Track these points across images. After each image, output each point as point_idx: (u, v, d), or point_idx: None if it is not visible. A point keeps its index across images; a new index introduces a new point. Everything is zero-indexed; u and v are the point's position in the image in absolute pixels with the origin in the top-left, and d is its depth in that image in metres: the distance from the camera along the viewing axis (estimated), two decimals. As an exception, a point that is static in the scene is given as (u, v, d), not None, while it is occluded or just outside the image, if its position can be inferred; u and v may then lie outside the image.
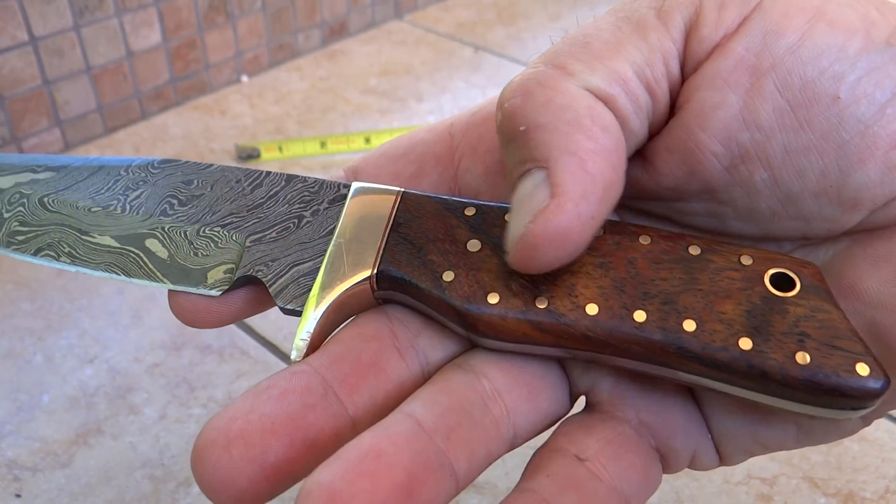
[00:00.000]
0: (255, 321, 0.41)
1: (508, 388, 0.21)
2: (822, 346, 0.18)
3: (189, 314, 0.23)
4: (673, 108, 0.21)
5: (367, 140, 0.54)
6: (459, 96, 0.61)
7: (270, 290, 0.21)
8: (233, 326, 0.40)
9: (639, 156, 0.21)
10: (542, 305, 0.20)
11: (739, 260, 0.20)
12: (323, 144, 0.54)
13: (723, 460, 0.23)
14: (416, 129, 0.54)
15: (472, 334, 0.21)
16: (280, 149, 0.53)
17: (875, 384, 0.18)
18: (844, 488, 0.34)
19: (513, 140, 0.19)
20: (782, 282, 0.19)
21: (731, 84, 0.19)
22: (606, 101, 0.19)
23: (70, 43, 0.51)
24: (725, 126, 0.19)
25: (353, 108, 0.59)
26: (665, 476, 0.34)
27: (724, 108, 0.19)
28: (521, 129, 0.19)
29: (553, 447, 0.22)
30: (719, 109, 0.19)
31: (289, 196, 0.22)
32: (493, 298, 0.20)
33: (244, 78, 0.63)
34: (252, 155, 0.53)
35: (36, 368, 0.38)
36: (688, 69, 0.20)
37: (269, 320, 0.41)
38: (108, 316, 0.41)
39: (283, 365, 0.38)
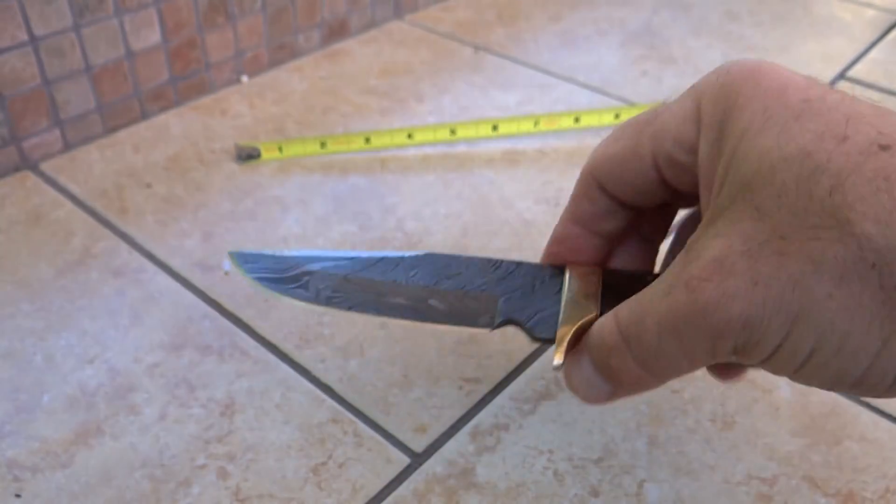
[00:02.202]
0: (255, 321, 0.41)
1: None
2: None
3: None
4: None
5: (367, 140, 0.54)
6: (460, 97, 0.61)
7: (526, 327, 0.30)
8: (233, 326, 0.40)
9: None
10: None
11: None
12: (323, 144, 0.54)
13: None
14: (417, 128, 0.54)
15: None
16: (280, 149, 0.53)
17: None
18: (845, 488, 0.34)
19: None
20: None
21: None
22: None
23: (70, 43, 0.51)
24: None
25: (353, 109, 0.59)
26: (665, 475, 0.34)
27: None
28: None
29: None
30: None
31: (522, 272, 0.31)
32: None
33: (244, 78, 0.63)
34: (252, 155, 0.53)
35: (36, 368, 0.38)
36: None
37: (270, 320, 0.41)
38: (108, 316, 0.41)
39: (284, 365, 0.38)
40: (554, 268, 0.31)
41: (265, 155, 0.53)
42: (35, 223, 0.47)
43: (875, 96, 0.63)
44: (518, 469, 0.34)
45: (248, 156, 0.53)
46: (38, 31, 0.49)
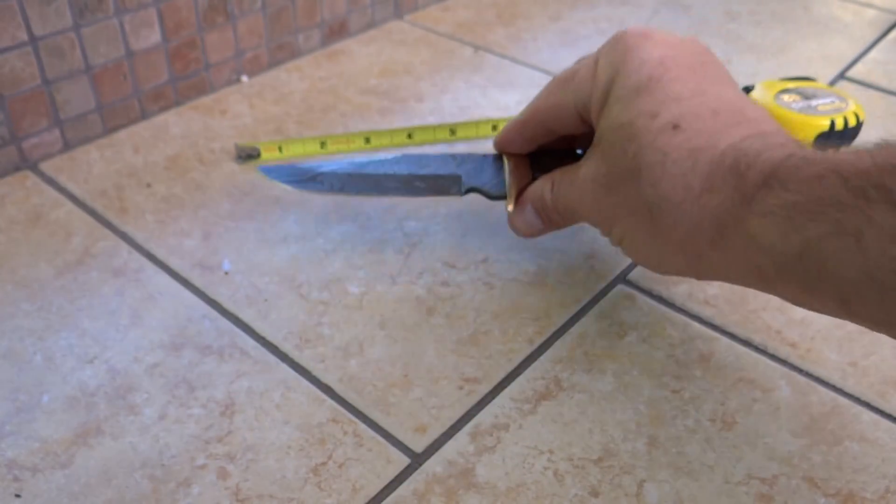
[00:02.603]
0: (255, 321, 0.41)
1: None
2: None
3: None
4: None
5: (367, 140, 0.54)
6: (460, 96, 0.61)
7: (485, 191, 0.44)
8: (233, 326, 0.40)
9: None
10: None
11: None
12: (323, 144, 0.54)
13: None
14: (417, 128, 0.54)
15: None
16: (280, 149, 0.53)
17: None
18: (845, 488, 0.34)
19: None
20: None
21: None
22: None
23: (70, 43, 0.51)
24: None
25: (353, 108, 0.59)
26: (665, 476, 0.34)
27: None
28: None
29: None
30: None
31: (473, 159, 0.44)
32: None
33: (244, 78, 0.63)
34: (252, 155, 0.53)
35: (35, 368, 0.38)
36: None
37: (269, 320, 0.41)
38: (107, 316, 0.41)
39: (284, 365, 0.38)
40: (495, 155, 0.45)
41: (265, 155, 0.53)
42: (35, 223, 0.47)
43: (875, 96, 0.63)
44: (518, 469, 0.34)
45: (247, 156, 0.53)
46: (38, 31, 0.49)
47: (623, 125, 0.33)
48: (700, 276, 0.34)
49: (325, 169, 0.44)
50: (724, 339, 0.41)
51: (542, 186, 0.40)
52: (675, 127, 0.32)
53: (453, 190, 0.44)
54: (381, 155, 0.44)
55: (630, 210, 0.34)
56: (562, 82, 0.38)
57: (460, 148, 0.55)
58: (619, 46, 0.35)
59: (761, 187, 0.29)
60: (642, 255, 0.36)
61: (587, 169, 0.36)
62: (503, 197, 0.43)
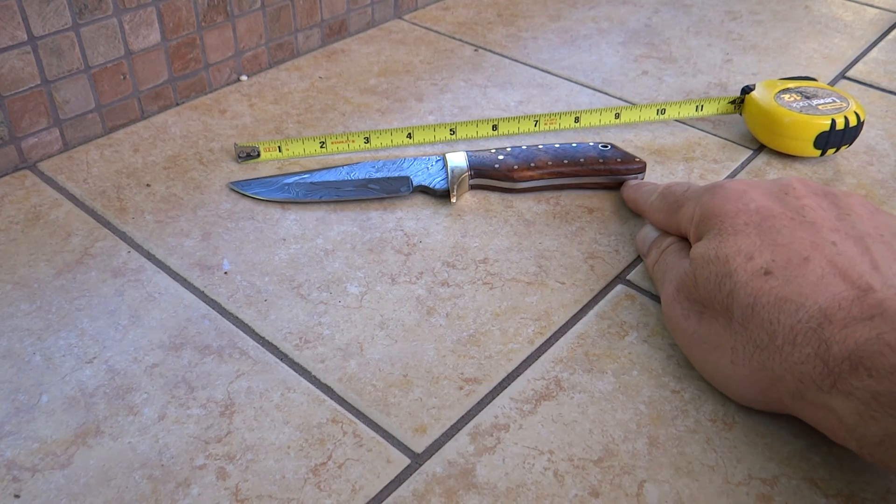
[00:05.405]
0: (255, 321, 0.41)
1: None
2: None
3: None
4: None
5: (367, 140, 0.54)
6: (459, 95, 0.61)
7: (430, 188, 0.50)
8: (232, 326, 0.40)
9: None
10: None
11: None
12: (322, 144, 0.53)
13: None
14: (417, 128, 0.53)
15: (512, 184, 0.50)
16: (279, 148, 0.53)
17: None
18: (845, 489, 0.33)
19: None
20: None
21: None
22: None
23: (69, 42, 0.51)
24: None
25: (353, 108, 0.59)
26: (665, 476, 0.34)
27: None
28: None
29: None
30: None
31: (419, 162, 0.51)
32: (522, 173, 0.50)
33: (243, 77, 0.63)
34: (251, 154, 0.53)
35: (35, 369, 0.38)
36: None
37: (269, 320, 0.41)
38: (107, 316, 0.41)
39: (283, 365, 0.38)
40: (437, 157, 0.51)
41: (264, 155, 0.53)
42: (34, 223, 0.47)
43: (876, 96, 0.63)
44: (518, 469, 0.34)
45: (247, 155, 0.53)
46: (37, 30, 0.49)
47: (719, 258, 0.35)
48: (776, 412, 0.35)
49: (290, 180, 0.50)
50: (725, 339, 0.41)
51: (656, 244, 0.43)
52: (768, 272, 0.34)
53: (403, 189, 0.49)
54: (338, 167, 0.51)
55: (715, 345, 0.36)
56: (671, 208, 0.42)
57: (461, 148, 0.55)
58: (718, 192, 0.38)
59: (845, 365, 0.30)
60: (721, 384, 0.37)
61: (680, 270, 0.38)
62: (447, 194, 0.49)
